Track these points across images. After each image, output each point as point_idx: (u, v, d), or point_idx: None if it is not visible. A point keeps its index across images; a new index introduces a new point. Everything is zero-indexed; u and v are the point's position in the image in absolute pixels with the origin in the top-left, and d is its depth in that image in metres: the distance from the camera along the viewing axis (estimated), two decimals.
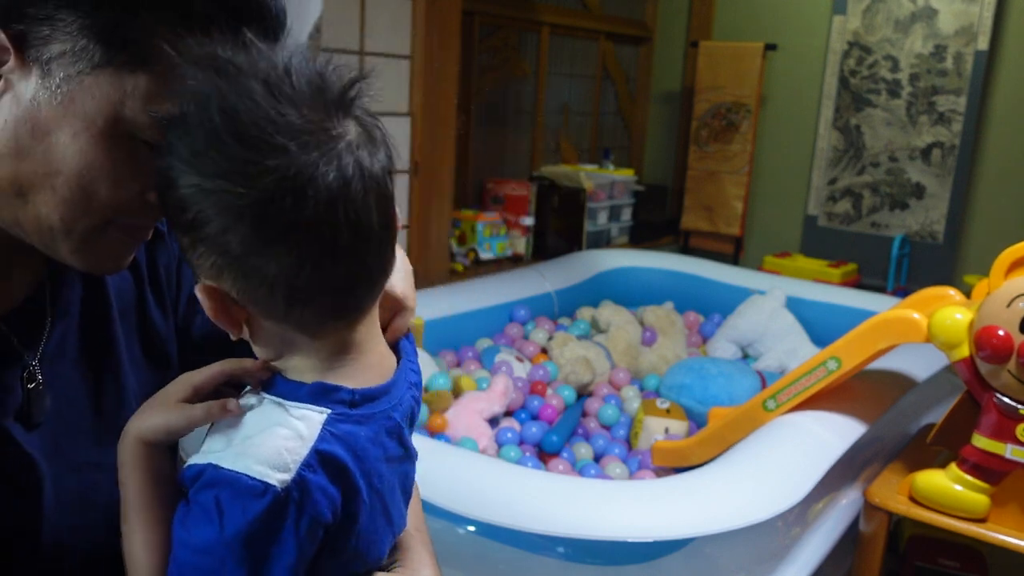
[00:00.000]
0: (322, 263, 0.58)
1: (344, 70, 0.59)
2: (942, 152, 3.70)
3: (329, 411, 0.61)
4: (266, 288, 0.58)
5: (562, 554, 1.49)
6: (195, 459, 0.60)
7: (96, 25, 0.58)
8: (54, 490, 0.68)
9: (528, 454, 2.14)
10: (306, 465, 0.58)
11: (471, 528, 1.50)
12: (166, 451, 0.65)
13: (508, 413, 2.33)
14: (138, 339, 0.78)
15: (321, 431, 0.59)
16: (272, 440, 0.58)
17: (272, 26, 0.64)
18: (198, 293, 0.60)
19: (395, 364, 0.69)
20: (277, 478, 0.57)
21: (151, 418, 0.63)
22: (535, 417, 2.33)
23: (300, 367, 0.64)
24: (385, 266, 0.63)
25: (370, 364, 0.66)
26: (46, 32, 0.58)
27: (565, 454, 2.18)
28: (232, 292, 0.60)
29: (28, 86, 0.59)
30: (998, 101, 3.59)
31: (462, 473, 1.55)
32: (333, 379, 0.63)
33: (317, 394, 0.61)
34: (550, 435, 2.19)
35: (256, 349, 0.65)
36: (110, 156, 0.60)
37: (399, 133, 2.74)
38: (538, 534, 1.43)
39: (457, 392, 2.26)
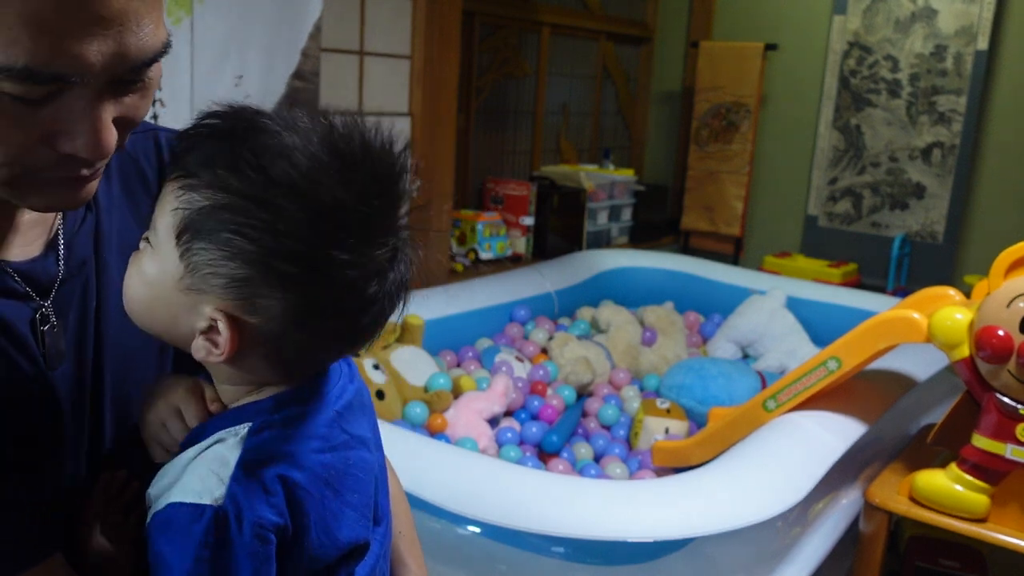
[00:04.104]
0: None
1: None
2: (942, 152, 3.70)
3: (249, 423, 0.63)
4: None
5: (562, 554, 1.49)
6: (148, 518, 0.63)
7: None
8: (74, 426, 0.70)
9: (528, 454, 2.14)
10: (234, 478, 0.60)
11: (472, 528, 1.51)
12: None
13: (508, 413, 2.33)
14: None
15: (245, 442, 0.62)
16: (197, 468, 0.62)
17: None
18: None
19: None
20: (210, 497, 0.60)
21: None
22: (535, 417, 2.32)
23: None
24: None
25: None
26: None
27: (565, 454, 2.18)
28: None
29: None
30: (998, 101, 3.59)
31: (462, 473, 1.55)
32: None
33: (238, 410, 0.66)
34: (550, 435, 2.19)
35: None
36: None
37: (399, 133, 2.74)
38: (538, 534, 1.43)
39: (457, 392, 2.26)
